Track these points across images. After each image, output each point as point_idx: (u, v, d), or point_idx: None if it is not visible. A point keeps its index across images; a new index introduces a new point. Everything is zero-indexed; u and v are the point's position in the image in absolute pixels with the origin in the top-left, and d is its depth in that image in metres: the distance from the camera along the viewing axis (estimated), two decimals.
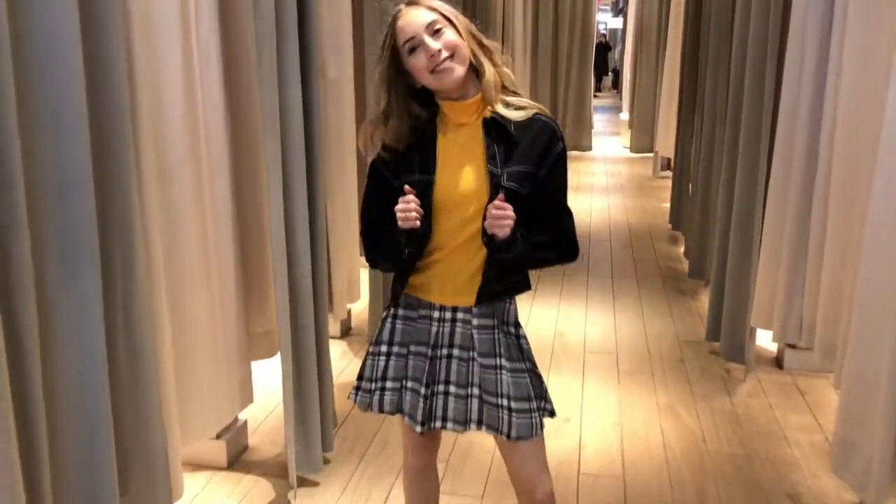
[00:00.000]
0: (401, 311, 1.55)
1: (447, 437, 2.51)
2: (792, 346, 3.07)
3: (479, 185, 1.43)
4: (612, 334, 3.57)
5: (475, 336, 1.48)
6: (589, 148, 9.73)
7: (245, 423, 2.52)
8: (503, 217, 1.36)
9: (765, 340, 3.21)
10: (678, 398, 2.90)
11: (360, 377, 1.59)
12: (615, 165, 8.67)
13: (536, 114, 1.46)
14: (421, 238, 1.44)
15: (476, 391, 1.49)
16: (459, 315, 1.49)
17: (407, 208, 1.39)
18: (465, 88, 1.44)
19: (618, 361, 3.25)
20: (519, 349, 1.50)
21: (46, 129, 1.19)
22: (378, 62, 1.45)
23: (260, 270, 2.40)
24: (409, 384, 1.53)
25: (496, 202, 1.37)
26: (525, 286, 1.53)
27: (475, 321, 1.48)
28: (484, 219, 1.39)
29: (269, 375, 2.69)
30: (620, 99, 13.36)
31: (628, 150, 9.57)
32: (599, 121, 11.92)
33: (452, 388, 1.51)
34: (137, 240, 1.40)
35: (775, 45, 2.80)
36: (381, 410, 1.56)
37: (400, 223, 1.40)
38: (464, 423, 1.51)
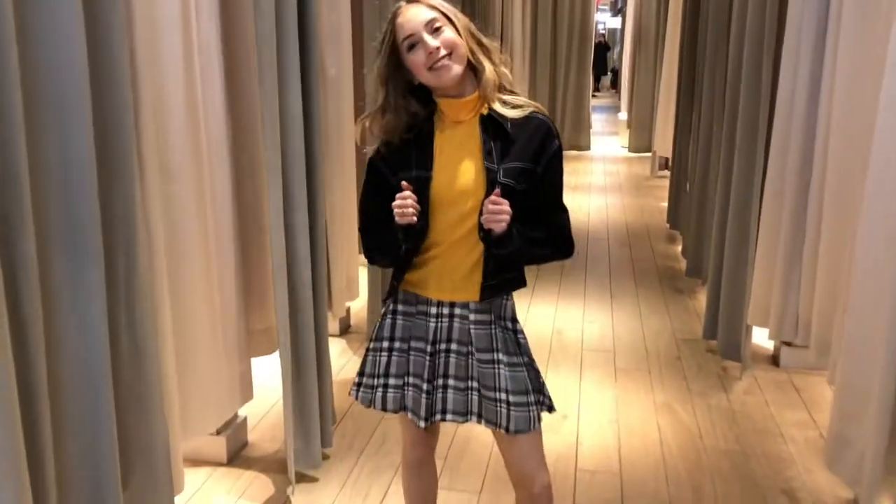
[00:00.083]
0: (400, 307, 1.56)
1: (446, 433, 2.53)
2: (788, 344, 3.09)
3: (476, 182, 1.45)
4: (610, 332, 3.59)
5: (472, 331, 1.50)
6: (587, 147, 9.75)
7: (245, 419, 2.54)
8: (499, 212, 1.38)
9: (761, 338, 3.23)
10: (675, 395, 2.92)
11: (362, 373, 1.60)
12: (613, 165, 8.69)
13: (533, 112, 1.48)
14: (418, 234, 1.46)
15: (475, 385, 1.51)
16: (457, 311, 1.51)
17: (404, 204, 1.41)
18: (462, 86, 1.46)
19: (615, 359, 3.27)
20: (516, 344, 1.52)
21: (51, 128, 1.21)
22: (377, 57, 1.46)
23: (260, 268, 2.42)
24: (412, 380, 1.54)
25: (492, 197, 1.38)
26: (521, 283, 1.55)
27: (472, 317, 1.50)
28: (480, 214, 1.41)
29: (269, 372, 2.71)
30: (619, 99, 13.39)
31: (626, 149, 9.60)
32: (598, 120, 11.93)
33: (452, 382, 1.52)
34: (140, 236, 1.42)
35: (771, 45, 2.82)
36: (384, 409, 1.57)
37: (397, 219, 1.42)
38: (464, 414, 1.53)
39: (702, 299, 3.84)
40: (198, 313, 2.08)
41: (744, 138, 2.96)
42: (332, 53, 2.96)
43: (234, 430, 2.44)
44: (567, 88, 9.73)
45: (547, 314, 3.82)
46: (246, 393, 2.42)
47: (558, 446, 2.52)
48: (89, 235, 1.26)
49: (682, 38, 5.14)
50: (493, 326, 1.51)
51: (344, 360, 3.24)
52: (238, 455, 2.46)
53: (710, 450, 2.52)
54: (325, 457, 2.40)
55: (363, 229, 1.59)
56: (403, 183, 1.42)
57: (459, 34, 1.43)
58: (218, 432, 2.38)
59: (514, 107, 1.47)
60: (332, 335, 3.21)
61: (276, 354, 2.24)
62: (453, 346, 1.52)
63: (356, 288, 3.47)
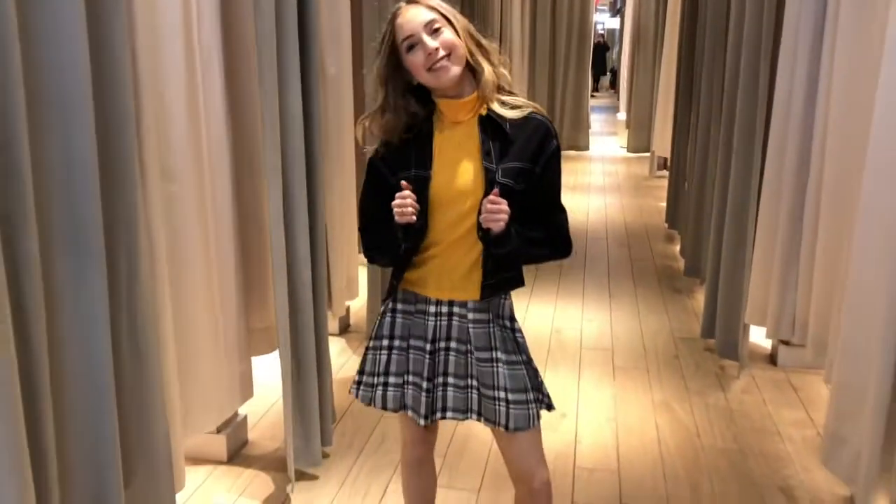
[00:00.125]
0: (399, 306, 1.57)
1: (445, 432, 2.54)
2: (786, 343, 3.11)
3: (475, 181, 1.46)
4: (609, 331, 3.60)
5: (471, 330, 1.51)
6: (586, 148, 9.76)
7: (245, 417, 2.55)
8: (498, 212, 1.39)
9: (759, 338, 3.25)
10: (673, 394, 2.93)
11: (361, 371, 1.62)
12: (612, 165, 8.70)
13: (532, 112, 1.49)
14: (417, 233, 1.47)
15: (474, 383, 1.52)
16: (456, 309, 1.52)
17: (403, 203, 1.42)
18: (461, 87, 1.47)
19: (613, 358, 3.29)
20: (515, 342, 1.53)
21: (53, 128, 1.22)
22: (376, 58, 1.47)
23: (260, 267, 2.43)
24: (411, 378, 1.56)
25: (491, 197, 1.39)
26: (519, 282, 1.56)
27: (471, 315, 1.51)
28: (479, 214, 1.42)
29: (269, 371, 2.72)
30: (618, 99, 13.40)
31: (625, 149, 9.61)
32: (597, 121, 11.95)
33: (451, 380, 1.54)
34: (141, 237, 1.43)
35: (769, 46, 2.84)
36: (384, 407, 1.58)
37: (396, 218, 1.43)
38: (464, 411, 1.54)
39: (700, 299, 3.86)
40: (198, 312, 2.09)
41: (741, 139, 2.98)
42: (332, 53, 2.97)
43: (234, 428, 2.45)
44: (566, 88, 9.75)
45: (546, 313, 3.83)
46: (246, 391, 2.44)
47: (557, 444, 2.53)
48: (91, 236, 1.27)
49: (680, 39, 5.15)
50: (491, 325, 1.52)
51: (343, 359, 3.25)
52: (238, 453, 2.47)
53: (707, 448, 2.53)
54: (325, 455, 2.42)
55: (363, 229, 1.60)
56: (403, 182, 1.44)
57: (458, 35, 1.44)
58: (218, 430, 2.39)
59: (513, 107, 1.48)
60: (332, 334, 3.22)
61: (277, 353, 2.25)
62: (452, 345, 1.53)
63: (356, 287, 3.48)
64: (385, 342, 1.58)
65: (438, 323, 1.53)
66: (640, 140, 9.17)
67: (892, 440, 1.83)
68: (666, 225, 5.52)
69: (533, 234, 1.49)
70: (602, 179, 7.78)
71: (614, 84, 17.61)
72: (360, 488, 2.29)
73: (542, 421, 1.55)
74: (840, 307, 2.24)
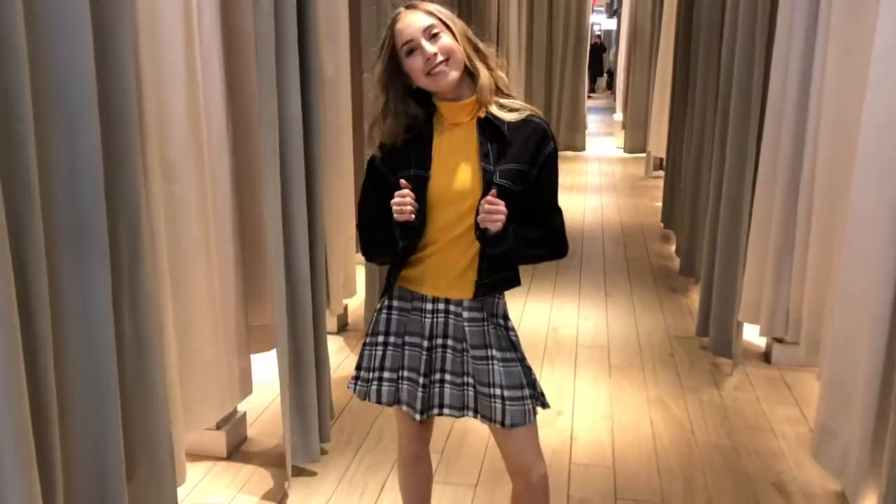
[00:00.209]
0: (395, 303, 1.60)
1: (442, 428, 2.57)
2: (779, 341, 3.14)
3: (473, 182, 1.49)
4: (604, 330, 3.63)
5: (466, 328, 1.54)
6: (583, 148, 9.80)
7: (244, 414, 2.57)
8: (495, 212, 1.42)
9: (753, 336, 3.28)
10: (668, 391, 2.96)
11: (359, 367, 1.64)
12: (609, 165, 8.74)
13: (529, 115, 1.52)
14: (415, 231, 1.50)
15: (470, 380, 1.55)
16: (451, 308, 1.55)
17: (402, 202, 1.45)
18: (460, 90, 1.50)
19: (609, 356, 3.32)
20: (509, 340, 1.56)
21: (59, 125, 1.25)
22: (377, 62, 1.50)
23: (260, 265, 2.45)
24: (407, 374, 1.58)
25: (489, 198, 1.42)
26: (515, 282, 1.59)
27: (466, 314, 1.54)
28: (477, 214, 1.45)
29: (268, 368, 2.74)
30: (614, 100, 13.44)
31: (622, 150, 9.65)
32: (593, 121, 11.98)
33: (448, 377, 1.56)
34: (144, 230, 1.45)
35: (762, 46, 2.87)
36: (378, 401, 1.61)
37: (395, 216, 1.46)
38: (461, 408, 1.56)
39: (695, 297, 3.89)
40: (198, 310, 2.11)
41: (735, 139, 3.01)
42: (331, 55, 2.99)
43: (233, 424, 2.47)
44: (563, 89, 9.78)
45: (542, 312, 3.86)
46: (245, 388, 2.46)
47: (553, 441, 2.56)
48: (95, 230, 1.30)
49: (676, 40, 5.19)
50: (485, 323, 1.54)
51: (342, 357, 3.28)
52: (237, 450, 2.50)
53: (701, 444, 2.56)
54: (324, 452, 2.44)
55: (361, 226, 1.63)
56: (402, 181, 1.46)
57: (456, 40, 1.47)
58: (218, 427, 2.41)
59: (511, 110, 1.51)
60: (330, 332, 3.24)
61: (276, 350, 2.27)
62: (449, 342, 1.56)
63: (353, 285, 3.50)
64: (381, 338, 1.60)
65: (435, 320, 1.56)
66: (636, 140, 9.21)
67: (881, 434, 1.86)
68: (662, 225, 5.55)
69: (530, 235, 1.51)
70: (598, 180, 7.81)
71: (611, 85, 17.65)
72: (357, 485, 2.31)
73: (538, 417, 1.58)
74: (832, 304, 2.27)
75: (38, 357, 1.20)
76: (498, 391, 1.52)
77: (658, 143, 6.91)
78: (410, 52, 1.46)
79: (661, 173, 6.62)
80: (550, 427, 2.65)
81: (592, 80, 16.73)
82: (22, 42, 1.12)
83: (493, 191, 1.43)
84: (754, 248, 2.97)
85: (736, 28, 3.02)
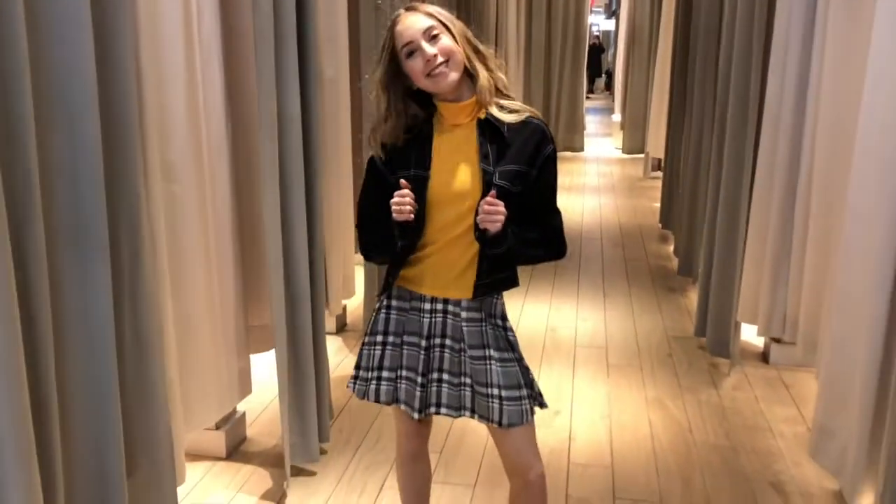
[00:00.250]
0: (394, 303, 1.61)
1: (441, 428, 2.57)
2: (777, 341, 3.15)
3: (473, 183, 1.50)
4: (603, 330, 3.64)
5: (464, 329, 1.55)
6: (581, 149, 9.82)
7: (244, 414, 2.58)
8: (495, 213, 1.43)
9: (752, 336, 3.29)
10: (666, 391, 2.97)
11: (358, 366, 1.65)
12: (607, 166, 8.76)
13: (529, 117, 1.53)
14: (414, 231, 1.51)
15: (468, 381, 1.55)
16: (450, 308, 1.55)
17: (402, 202, 1.46)
18: (460, 91, 1.51)
19: (607, 356, 3.32)
20: (507, 340, 1.57)
21: (60, 126, 1.25)
22: (378, 64, 1.51)
23: (259, 265, 2.46)
24: (405, 373, 1.59)
25: (488, 198, 1.43)
26: (514, 283, 1.60)
27: (464, 314, 1.55)
28: (476, 214, 1.46)
29: (267, 368, 2.75)
30: (613, 100, 13.46)
31: (620, 151, 9.66)
32: (592, 122, 12.01)
33: (446, 377, 1.57)
34: (144, 230, 1.46)
35: (760, 48, 2.88)
36: (377, 400, 1.62)
37: (394, 216, 1.47)
38: (457, 408, 1.57)
39: (693, 298, 3.90)
40: (198, 309, 2.12)
41: (733, 140, 3.02)
42: (330, 56, 3.00)
43: (232, 424, 2.48)
44: (561, 90, 9.80)
45: (541, 312, 3.87)
46: (245, 388, 2.46)
47: (551, 441, 2.57)
48: (96, 231, 1.30)
49: (674, 41, 5.20)
50: (483, 324, 1.55)
51: (340, 358, 3.28)
52: (237, 449, 2.50)
53: (700, 444, 2.57)
54: (323, 451, 2.44)
55: (360, 225, 1.63)
56: (402, 181, 1.47)
57: (456, 41, 1.47)
58: (217, 427, 2.42)
59: (511, 111, 1.52)
60: (329, 333, 3.24)
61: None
62: (447, 342, 1.56)
63: (352, 286, 3.51)
64: (379, 338, 1.61)
65: (433, 320, 1.57)
66: (634, 141, 9.22)
67: (878, 434, 1.87)
68: (660, 225, 5.56)
69: (528, 235, 1.52)
70: (597, 180, 7.83)
71: (609, 86, 17.67)
72: (356, 485, 2.32)
73: (535, 417, 1.58)
74: (830, 305, 2.28)
75: (40, 357, 1.20)
76: (495, 391, 1.52)
77: (656, 143, 6.92)
78: (410, 53, 1.47)
79: (660, 174, 6.64)
80: (549, 427, 2.65)
81: (591, 81, 16.76)
82: (23, 43, 1.12)
83: (493, 191, 1.44)
84: (752, 249, 2.98)
85: (733, 31, 3.03)
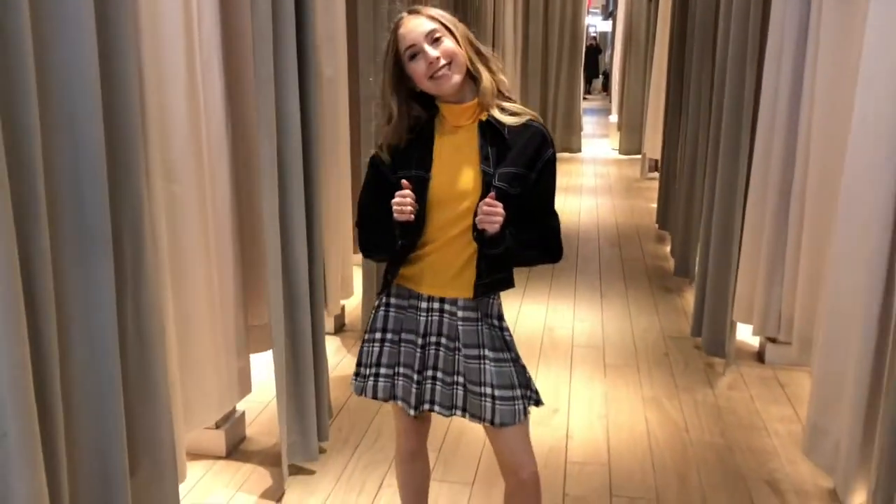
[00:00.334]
0: (392, 300, 1.62)
1: (440, 427, 2.59)
2: (773, 341, 3.18)
3: (473, 184, 1.51)
4: (600, 330, 3.66)
5: (460, 328, 1.56)
6: (578, 150, 9.84)
7: (243, 413, 2.59)
8: (493, 214, 1.45)
9: (747, 336, 3.31)
10: (662, 391, 2.99)
11: (358, 363, 1.67)
12: (604, 167, 8.78)
13: (530, 120, 1.55)
14: (414, 231, 1.52)
15: (461, 380, 1.57)
16: (447, 307, 1.57)
17: (402, 202, 1.47)
18: (462, 93, 1.53)
19: (604, 356, 3.34)
20: (503, 341, 1.58)
21: (64, 126, 1.27)
22: (382, 67, 1.53)
23: (259, 265, 2.47)
24: (402, 370, 1.61)
25: (487, 200, 1.45)
26: (510, 283, 1.61)
27: (460, 313, 1.56)
28: (475, 215, 1.48)
29: (267, 368, 2.76)
30: (610, 101, 13.49)
31: (617, 151, 9.69)
32: (589, 123, 12.03)
33: (440, 375, 1.59)
34: (147, 230, 1.47)
35: (755, 50, 2.91)
36: (374, 396, 1.64)
37: (395, 216, 1.49)
38: (449, 407, 1.59)
39: (690, 298, 3.92)
40: (198, 309, 2.13)
41: (728, 141, 3.04)
42: (329, 55, 3.02)
43: (232, 424, 2.49)
44: (558, 91, 9.82)
45: (538, 312, 3.88)
46: (244, 388, 2.48)
47: (549, 439, 2.59)
48: (99, 232, 1.31)
49: (670, 42, 5.23)
50: (479, 323, 1.57)
51: (339, 358, 3.30)
52: (236, 448, 2.52)
53: (696, 443, 2.59)
54: (322, 450, 2.46)
55: (360, 224, 1.65)
56: (404, 181, 1.49)
57: (458, 43, 1.49)
58: (217, 426, 2.43)
59: (512, 114, 1.54)
60: (327, 333, 3.26)
61: None
62: (443, 341, 1.58)
63: (350, 286, 3.52)
64: (378, 335, 1.63)
65: (430, 318, 1.58)
66: (631, 142, 9.25)
67: (871, 431, 1.89)
68: (657, 226, 5.59)
69: (526, 237, 1.54)
70: (594, 181, 7.85)
71: (606, 87, 17.70)
72: (355, 483, 2.33)
73: (533, 417, 1.60)
74: (823, 304, 2.30)
75: (44, 357, 1.22)
76: (488, 390, 1.54)
77: (653, 144, 6.95)
78: (413, 56, 1.49)
79: (657, 175, 6.67)
80: (546, 426, 2.67)
81: (588, 82, 16.79)
82: (28, 45, 1.14)
83: (492, 193, 1.46)
84: (747, 249, 3.01)
85: (729, 33, 3.05)
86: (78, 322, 1.32)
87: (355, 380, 1.66)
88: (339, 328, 3.61)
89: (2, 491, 1.11)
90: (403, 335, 1.61)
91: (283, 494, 2.26)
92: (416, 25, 1.49)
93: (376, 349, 1.63)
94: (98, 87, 1.28)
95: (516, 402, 1.55)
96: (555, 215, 1.60)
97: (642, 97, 8.61)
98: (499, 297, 1.60)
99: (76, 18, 1.24)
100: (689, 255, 4.10)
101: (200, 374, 2.17)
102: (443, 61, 1.47)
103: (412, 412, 1.59)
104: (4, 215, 1.06)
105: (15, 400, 1.09)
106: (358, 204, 1.67)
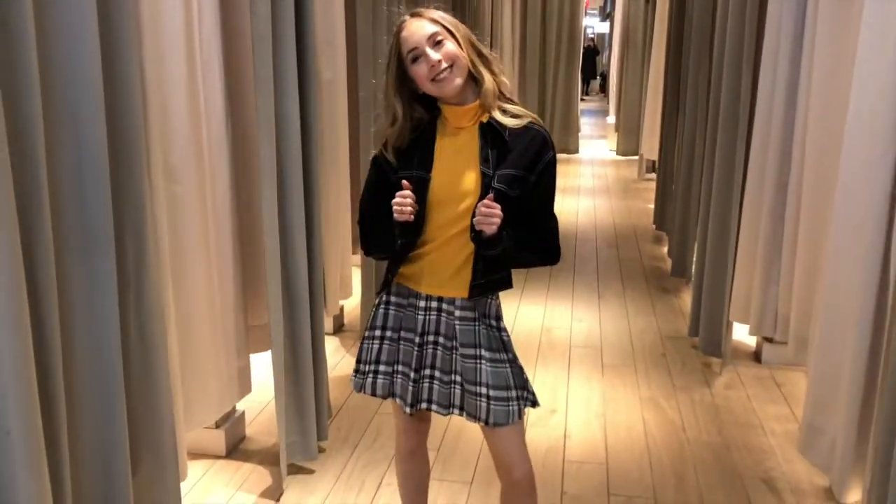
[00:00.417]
0: (393, 299, 1.64)
1: (439, 426, 2.60)
2: (769, 341, 3.19)
3: (472, 185, 1.53)
4: (598, 330, 3.67)
5: (457, 327, 1.57)
6: (576, 151, 9.86)
7: (243, 413, 2.60)
8: (491, 215, 1.46)
9: (744, 335, 3.33)
10: (660, 390, 3.01)
11: (358, 361, 1.68)
12: (602, 168, 8.80)
13: (531, 122, 1.56)
14: (414, 231, 1.54)
15: (458, 379, 1.58)
16: (444, 306, 1.58)
17: (403, 202, 1.49)
18: (464, 95, 1.54)
19: (602, 356, 3.36)
20: (500, 341, 1.59)
21: (67, 126, 1.28)
22: (385, 70, 1.55)
23: (259, 265, 2.48)
24: (400, 368, 1.62)
25: (485, 201, 1.46)
26: (508, 284, 1.62)
27: (458, 313, 1.57)
28: (473, 216, 1.49)
29: (266, 368, 2.76)
30: (607, 102, 13.52)
31: (614, 152, 9.71)
32: (587, 124, 12.05)
33: (437, 374, 1.60)
34: (149, 231, 1.49)
35: (751, 50, 2.93)
36: (373, 394, 1.65)
37: (395, 215, 1.50)
38: (447, 406, 1.60)
39: (687, 298, 3.94)
40: (198, 309, 2.14)
41: (724, 142, 3.06)
42: (328, 56, 3.03)
43: (232, 423, 2.50)
44: (556, 92, 9.84)
45: (536, 313, 3.90)
46: (244, 387, 2.49)
47: (547, 439, 2.60)
48: (102, 232, 1.33)
49: (668, 43, 5.25)
50: (477, 323, 1.58)
51: (338, 358, 3.31)
52: (236, 448, 2.53)
53: (693, 442, 2.61)
54: (321, 450, 2.47)
55: (361, 222, 1.67)
56: (404, 182, 1.50)
57: (460, 46, 1.51)
58: (217, 426, 2.44)
59: (514, 116, 1.55)
60: (326, 333, 3.27)
61: None
62: (440, 340, 1.59)
63: (350, 286, 3.54)
64: (378, 332, 1.64)
65: (427, 317, 1.59)
66: (629, 143, 9.27)
67: (866, 430, 1.90)
68: (654, 226, 5.60)
69: (524, 239, 1.55)
70: (592, 182, 7.87)
71: (604, 88, 17.74)
72: (354, 483, 2.35)
73: (532, 416, 1.61)
74: (819, 304, 2.32)
75: (48, 357, 1.23)
76: (484, 390, 1.55)
77: (650, 145, 6.97)
78: (415, 59, 1.50)
79: (654, 176, 6.68)
80: (544, 426, 2.69)
81: (586, 83, 16.82)
82: (32, 45, 1.15)
83: (490, 195, 1.47)
84: (744, 250, 3.03)
85: (725, 33, 3.07)
86: (81, 322, 1.33)
87: (355, 376, 1.68)
88: (338, 328, 3.62)
89: (5, 489, 1.11)
90: (403, 333, 1.62)
91: (282, 494, 2.27)
92: (417, 28, 1.50)
93: (376, 346, 1.64)
94: (101, 87, 1.29)
95: (511, 403, 1.56)
96: (554, 218, 1.61)
97: (639, 98, 8.63)
98: (497, 297, 1.61)
99: (78, 20, 1.26)
100: (686, 255, 4.12)
101: (201, 373, 2.18)
102: (444, 64, 1.48)
103: (408, 410, 1.61)
104: (8, 216, 1.07)
105: (17, 398, 1.10)
106: (360, 202, 1.68)
